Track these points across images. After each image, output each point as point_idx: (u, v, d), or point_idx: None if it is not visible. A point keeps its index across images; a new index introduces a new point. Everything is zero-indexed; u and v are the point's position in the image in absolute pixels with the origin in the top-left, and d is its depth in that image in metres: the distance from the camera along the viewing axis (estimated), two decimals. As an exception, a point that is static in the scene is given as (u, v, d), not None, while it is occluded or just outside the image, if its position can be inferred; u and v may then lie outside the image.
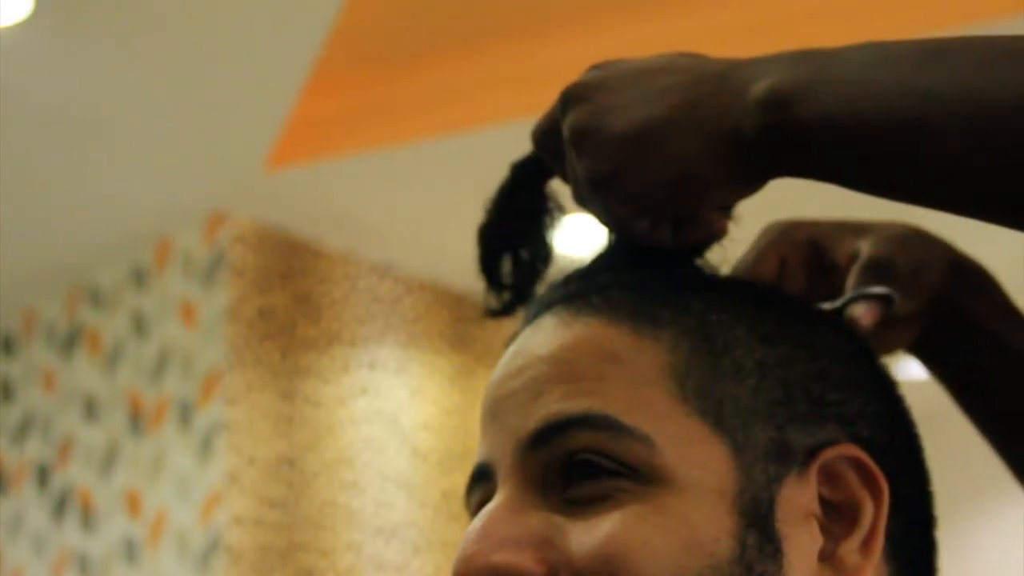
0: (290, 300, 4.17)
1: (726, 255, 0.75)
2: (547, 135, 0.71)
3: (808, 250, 0.79)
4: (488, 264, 0.76)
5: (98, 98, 3.48)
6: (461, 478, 0.73)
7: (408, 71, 3.65)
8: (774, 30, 3.31)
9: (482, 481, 0.69)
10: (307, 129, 3.75)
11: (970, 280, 0.81)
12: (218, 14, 3.20)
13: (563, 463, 0.66)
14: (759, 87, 0.62)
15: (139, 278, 4.27)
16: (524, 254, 0.76)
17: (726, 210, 0.72)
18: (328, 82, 3.57)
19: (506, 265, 0.76)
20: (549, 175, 0.75)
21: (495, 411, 0.69)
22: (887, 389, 0.72)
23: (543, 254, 0.76)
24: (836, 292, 0.78)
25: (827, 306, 0.76)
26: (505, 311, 0.76)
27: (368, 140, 3.80)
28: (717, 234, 0.72)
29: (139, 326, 4.26)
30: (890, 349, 0.79)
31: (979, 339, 0.80)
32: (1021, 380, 0.80)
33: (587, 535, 0.64)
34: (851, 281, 0.77)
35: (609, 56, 0.71)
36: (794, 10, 3.34)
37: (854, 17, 3.32)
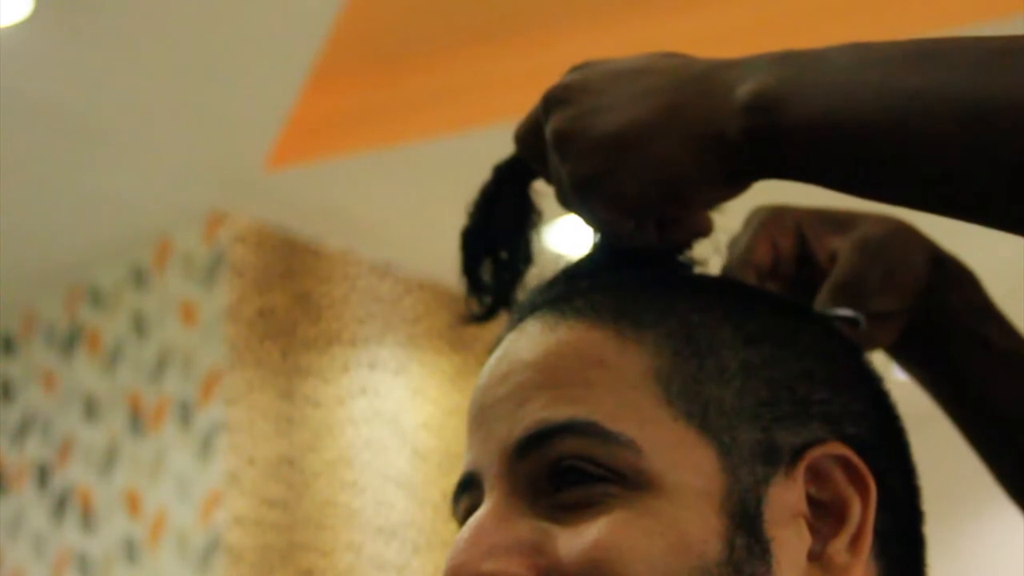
0: (290, 300, 4.17)
1: (716, 244, 0.75)
2: (530, 137, 0.70)
3: (795, 237, 0.79)
4: (470, 267, 0.76)
5: (98, 98, 3.48)
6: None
7: (408, 71, 3.64)
8: (774, 30, 3.30)
9: (469, 489, 0.69)
10: (307, 129, 3.75)
11: (951, 276, 0.81)
12: (218, 14, 3.20)
13: (550, 470, 0.65)
14: (743, 90, 0.62)
15: (139, 278, 4.27)
16: (504, 256, 0.76)
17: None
18: (328, 82, 3.56)
19: (487, 268, 0.76)
20: (533, 176, 0.75)
21: (481, 418, 0.69)
22: (873, 386, 0.72)
23: (525, 256, 0.76)
24: (816, 284, 0.78)
25: None
26: (486, 315, 0.76)
27: (368, 140, 3.80)
28: (702, 233, 0.72)
29: (139, 326, 4.26)
30: (874, 346, 0.79)
31: (959, 335, 0.80)
32: (999, 376, 0.80)
33: (575, 541, 0.64)
34: (822, 297, 0.77)
35: (610, 56, 0.70)
36: (794, 10, 3.34)
37: (854, 17, 3.31)
